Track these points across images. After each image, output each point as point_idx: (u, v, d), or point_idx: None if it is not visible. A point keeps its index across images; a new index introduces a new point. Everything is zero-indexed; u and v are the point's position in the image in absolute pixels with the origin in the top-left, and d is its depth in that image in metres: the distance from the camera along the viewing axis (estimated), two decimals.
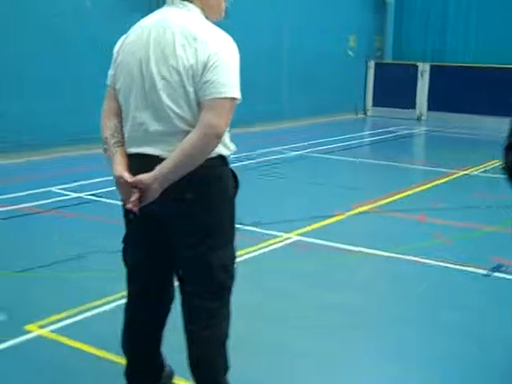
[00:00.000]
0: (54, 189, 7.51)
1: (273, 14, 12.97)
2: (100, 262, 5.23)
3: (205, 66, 2.57)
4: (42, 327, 4.02)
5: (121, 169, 2.69)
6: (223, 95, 2.57)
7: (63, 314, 4.18)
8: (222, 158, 2.72)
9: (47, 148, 9.52)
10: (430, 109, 15.20)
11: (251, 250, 5.33)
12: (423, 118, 15.26)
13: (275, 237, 5.81)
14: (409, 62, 15.60)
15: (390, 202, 7.26)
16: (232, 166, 2.84)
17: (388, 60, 16.46)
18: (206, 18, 2.74)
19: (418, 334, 4.08)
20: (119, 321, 4.08)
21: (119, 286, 4.55)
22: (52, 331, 3.99)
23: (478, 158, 10.11)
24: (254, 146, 10.35)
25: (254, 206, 6.57)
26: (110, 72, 2.84)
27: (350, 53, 15.45)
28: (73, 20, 9.76)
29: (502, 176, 3.08)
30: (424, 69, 15.24)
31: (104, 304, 4.37)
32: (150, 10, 2.84)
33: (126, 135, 2.75)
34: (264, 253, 5.39)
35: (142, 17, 2.81)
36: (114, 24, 10.04)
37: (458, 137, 12.96)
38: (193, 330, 2.81)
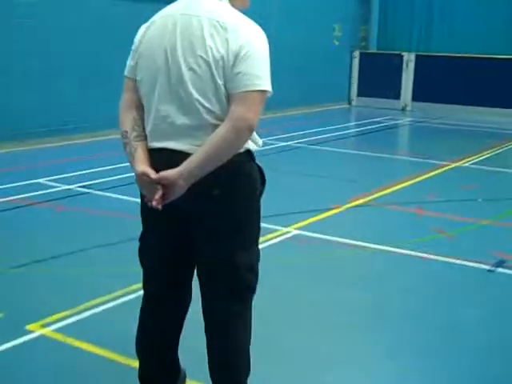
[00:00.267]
0: (41, 181, 7.33)
1: (258, 3, 12.82)
2: (99, 256, 5.11)
3: (236, 57, 2.45)
4: (44, 326, 3.89)
5: (143, 165, 2.57)
6: (255, 87, 2.46)
7: (65, 313, 4.05)
8: (249, 153, 2.61)
9: (26, 139, 9.28)
10: (414, 99, 15.17)
11: None
12: (408, 108, 15.23)
13: (273, 231, 5.71)
14: (394, 52, 15.55)
15: (386, 195, 7.20)
16: None
17: (373, 50, 16.39)
18: (232, 6, 2.62)
19: (437, 332, 4.00)
20: (124, 319, 4.03)
21: (121, 283, 4.49)
22: (55, 330, 3.86)
23: (467, 150, 10.09)
24: None
25: None
26: (130, 63, 2.71)
27: (336, 42, 15.36)
28: (47, 10, 9.51)
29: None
30: (409, 58, 15.20)
31: (108, 301, 4.25)
32: None
33: (147, 129, 2.63)
34: (263, 248, 5.25)
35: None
36: (90, 14, 9.92)
37: (444, 128, 12.94)
38: (216, 333, 2.71)
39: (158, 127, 2.59)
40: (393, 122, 13.52)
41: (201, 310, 2.79)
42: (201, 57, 2.47)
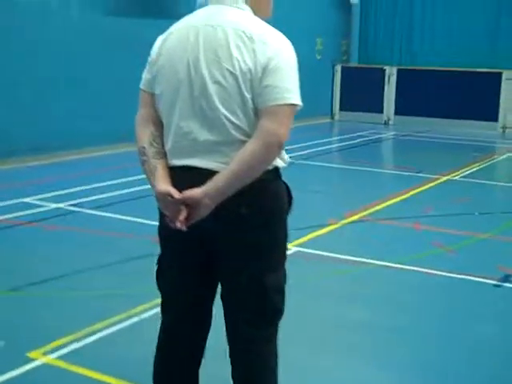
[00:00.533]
0: (28, 200, 7.13)
1: None
2: (96, 278, 4.94)
3: (264, 69, 2.33)
4: (45, 354, 3.72)
5: (165, 184, 2.42)
6: (285, 101, 2.33)
7: (67, 339, 3.88)
8: (276, 171, 2.49)
9: (10, 157, 8.99)
10: (397, 113, 15.17)
11: None
12: (390, 122, 15.22)
13: None
14: (376, 66, 15.56)
15: (381, 210, 7.11)
16: None
17: (354, 64, 16.39)
18: (254, 15, 2.51)
19: (456, 351, 3.90)
20: (128, 344, 3.89)
21: (122, 306, 4.34)
22: (58, 358, 3.69)
23: (456, 163, 10.05)
24: None
25: None
26: (146, 76, 2.58)
27: (318, 56, 15.34)
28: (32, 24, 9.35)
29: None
30: (391, 72, 15.21)
31: (109, 326, 4.09)
32: None
33: (168, 146, 2.49)
34: None
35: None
36: (74, 28, 9.77)
37: (428, 141, 12.93)
38: (243, 359, 2.57)
39: (179, 144, 2.46)
40: (377, 136, 13.49)
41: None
42: (227, 69, 2.35)
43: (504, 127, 14.21)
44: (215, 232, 2.45)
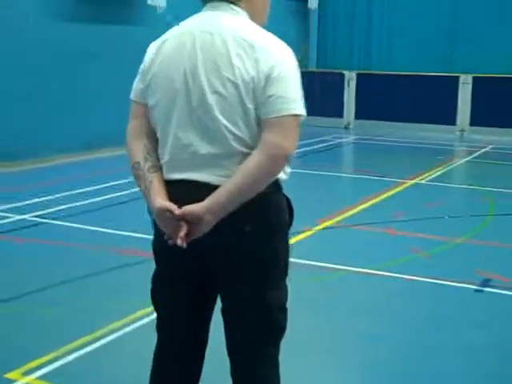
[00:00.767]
0: None
1: None
2: (70, 293, 4.75)
3: (267, 79, 2.21)
4: (25, 374, 3.53)
5: (163, 199, 2.29)
6: (290, 112, 2.22)
7: (47, 358, 3.71)
8: (277, 183, 2.37)
9: None
10: (357, 117, 15.23)
11: None
12: (351, 126, 15.27)
13: None
14: (335, 71, 15.59)
15: (353, 215, 7.06)
16: None
17: (313, 68, 16.40)
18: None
19: (450, 359, 3.84)
20: (112, 360, 3.74)
21: (102, 321, 4.18)
22: (39, 378, 3.51)
23: (420, 167, 10.09)
24: None
25: None
26: (138, 86, 2.42)
27: None
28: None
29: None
30: (350, 77, 15.26)
31: (91, 342, 3.92)
32: None
33: (164, 158, 2.36)
34: None
35: None
36: (34, 36, 9.50)
37: (390, 145, 12.99)
38: (247, 380, 2.45)
39: (177, 157, 2.32)
40: (338, 141, 13.51)
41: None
42: (228, 78, 2.23)
43: (462, 130, 14.39)
44: (216, 248, 2.33)
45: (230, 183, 2.22)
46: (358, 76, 15.25)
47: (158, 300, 2.56)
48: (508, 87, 13.89)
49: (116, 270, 5.16)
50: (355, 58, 16.07)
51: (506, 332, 4.23)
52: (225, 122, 2.24)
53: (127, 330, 4.10)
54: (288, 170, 2.41)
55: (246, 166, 2.22)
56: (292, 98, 2.25)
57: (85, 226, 6.38)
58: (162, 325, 2.57)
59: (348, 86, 15.26)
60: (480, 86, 14.01)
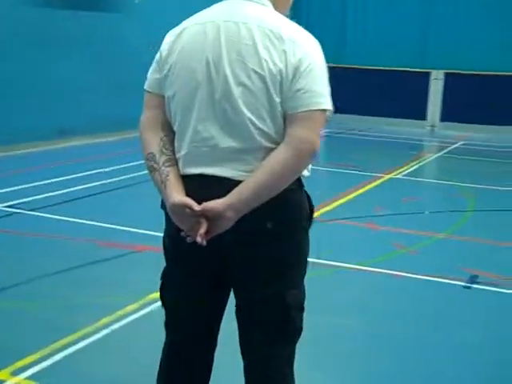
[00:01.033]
0: None
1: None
2: (51, 287, 4.61)
3: (295, 72, 2.13)
4: (14, 374, 3.39)
5: (181, 195, 2.18)
6: (319, 106, 2.14)
7: (34, 356, 3.56)
8: (299, 179, 2.28)
9: None
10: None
11: None
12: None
13: None
14: None
15: (333, 210, 7.01)
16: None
17: None
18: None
19: (443, 357, 3.80)
20: (103, 359, 3.62)
21: (87, 317, 4.05)
22: (28, 378, 3.37)
23: (395, 161, 10.10)
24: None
25: None
26: (153, 75, 2.31)
27: None
28: None
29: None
30: None
31: (78, 340, 3.78)
32: None
33: (182, 152, 2.25)
34: None
35: None
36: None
37: (363, 139, 13.01)
38: (263, 382, 2.36)
39: (196, 150, 2.22)
40: None
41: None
42: (254, 71, 2.13)
43: (432, 125, 14.49)
44: (236, 245, 2.23)
45: (253, 179, 2.13)
46: (330, 69, 15.06)
47: (168, 297, 2.44)
48: (479, 84, 14.01)
49: (97, 263, 5.02)
50: (329, 52, 15.95)
51: (499, 331, 4.21)
52: (249, 115, 2.15)
53: (116, 326, 3.98)
54: (310, 166, 2.33)
55: (271, 162, 2.13)
56: (320, 92, 2.17)
57: (58, 217, 6.22)
58: (173, 325, 2.46)
59: None
60: (451, 82, 14.11)
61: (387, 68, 14.65)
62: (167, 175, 2.23)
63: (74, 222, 6.10)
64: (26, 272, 4.78)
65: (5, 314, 4.16)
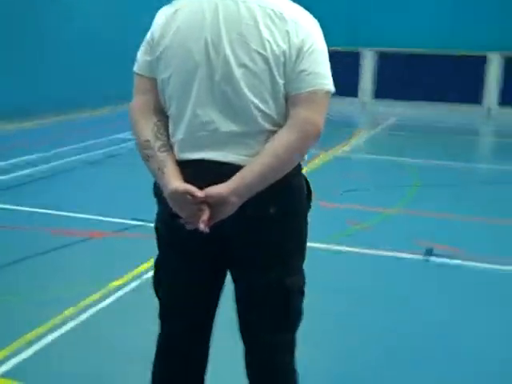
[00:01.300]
0: None
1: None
2: (8, 279, 4.41)
3: (299, 52, 2.07)
4: None
5: (179, 181, 2.10)
6: (323, 87, 2.10)
7: (3, 352, 3.42)
8: (299, 164, 2.23)
9: None
10: None
11: None
12: None
13: None
14: None
15: None
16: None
17: None
18: None
19: (409, 337, 3.84)
20: (72, 354, 3.49)
21: (52, 309, 3.92)
22: (2, 376, 3.23)
23: (332, 139, 10.11)
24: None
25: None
26: (144, 57, 2.20)
27: None
28: None
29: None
30: None
31: (46, 333, 3.65)
32: None
33: (178, 136, 2.16)
34: None
35: None
36: None
37: None
38: (267, 368, 2.31)
39: (194, 135, 2.13)
40: None
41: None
42: (257, 51, 2.05)
43: (363, 103, 14.67)
44: (238, 231, 2.17)
45: (257, 163, 2.07)
46: None
47: (164, 286, 2.35)
48: (411, 62, 14.25)
49: (50, 252, 4.83)
50: None
51: (466, 304, 4.27)
52: (253, 98, 2.08)
53: (82, 318, 3.86)
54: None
55: (274, 144, 2.07)
56: (323, 73, 2.12)
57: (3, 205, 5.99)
58: (168, 316, 2.38)
59: None
60: (383, 61, 14.31)
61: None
62: (163, 160, 2.14)
63: (18, 210, 5.88)
64: None
65: None
